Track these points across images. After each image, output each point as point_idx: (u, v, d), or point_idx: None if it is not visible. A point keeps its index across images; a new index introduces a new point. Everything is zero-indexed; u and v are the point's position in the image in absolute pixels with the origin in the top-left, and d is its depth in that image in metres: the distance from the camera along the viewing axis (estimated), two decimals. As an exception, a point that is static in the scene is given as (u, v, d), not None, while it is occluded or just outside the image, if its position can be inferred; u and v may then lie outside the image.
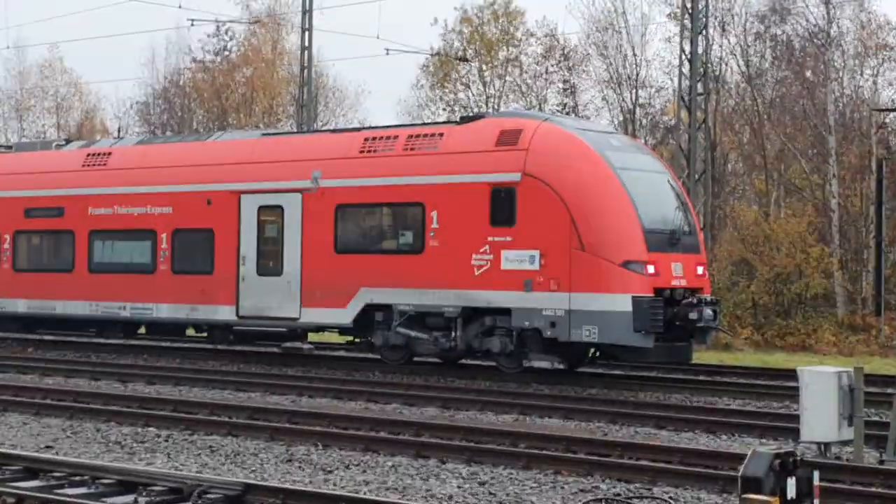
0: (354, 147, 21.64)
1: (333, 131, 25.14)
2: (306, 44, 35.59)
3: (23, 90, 58.43)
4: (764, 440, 13.93)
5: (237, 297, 22.55)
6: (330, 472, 11.69)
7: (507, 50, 45.14)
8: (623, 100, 41.41)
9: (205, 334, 25.22)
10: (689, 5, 31.18)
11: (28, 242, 26.12)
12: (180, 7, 43.70)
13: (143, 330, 27.01)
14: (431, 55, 45.11)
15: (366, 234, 21.62)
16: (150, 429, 14.40)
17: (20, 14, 70.64)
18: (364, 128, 24.68)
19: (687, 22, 31.51)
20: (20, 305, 25.74)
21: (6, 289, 25.90)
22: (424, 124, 24.55)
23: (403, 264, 20.59)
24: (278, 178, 22.20)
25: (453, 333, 20.04)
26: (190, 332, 26.93)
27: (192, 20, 51.17)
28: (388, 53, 36.74)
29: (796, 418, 13.49)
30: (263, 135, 24.78)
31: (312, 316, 21.65)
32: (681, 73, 31.43)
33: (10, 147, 29.93)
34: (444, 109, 45.01)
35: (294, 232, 21.90)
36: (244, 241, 22.56)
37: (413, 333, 20.54)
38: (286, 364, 22.69)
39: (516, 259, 19.27)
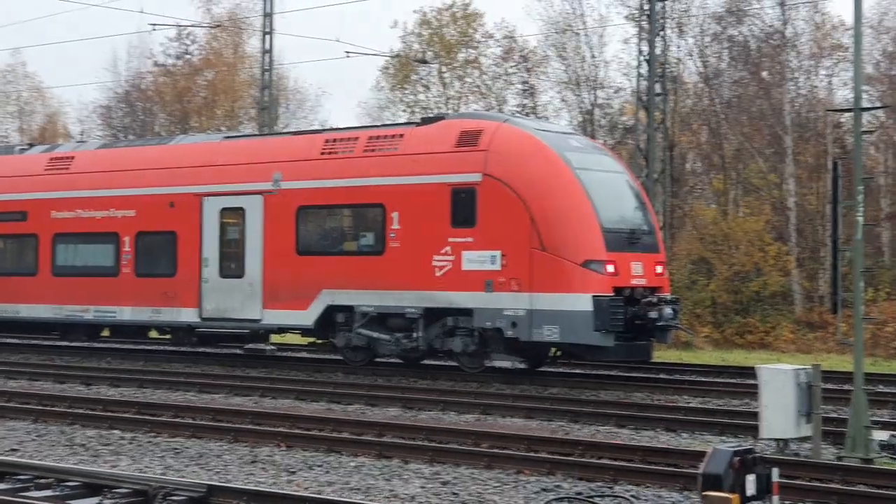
0: (315, 149, 21.76)
1: (294, 133, 25.24)
2: (267, 47, 35.61)
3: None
4: (724, 438, 14.14)
5: (200, 299, 22.61)
6: (293, 472, 11.82)
7: (467, 52, 45.32)
8: (582, 101, 41.66)
9: (168, 336, 25.26)
10: (646, 7, 31.48)
11: (-10, 247, 26.04)
12: (142, 12, 43.66)
13: (106, 332, 26.98)
14: (391, 57, 45.23)
15: (327, 235, 21.74)
16: (115, 431, 14.48)
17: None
18: (325, 129, 24.77)
19: (644, 23, 31.81)
20: (-19, 309, 25.65)
21: (-32, 293, 25.80)
22: (385, 126, 24.71)
23: (364, 265, 20.73)
24: (240, 181, 22.30)
25: (415, 334, 20.19)
26: (153, 334, 26.94)
27: (154, 25, 51.05)
28: (348, 56, 36.82)
29: (756, 416, 13.74)
30: (225, 138, 24.85)
31: (274, 318, 21.76)
32: (639, 73, 31.70)
33: (-30, 151, 29.74)
34: (405, 111, 45.11)
35: (256, 234, 21.99)
36: (206, 243, 22.63)
37: (375, 334, 20.68)
38: (249, 366, 22.78)
39: (477, 259, 19.44)
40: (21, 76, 58.73)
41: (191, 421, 15.10)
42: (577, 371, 22.11)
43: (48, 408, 16.29)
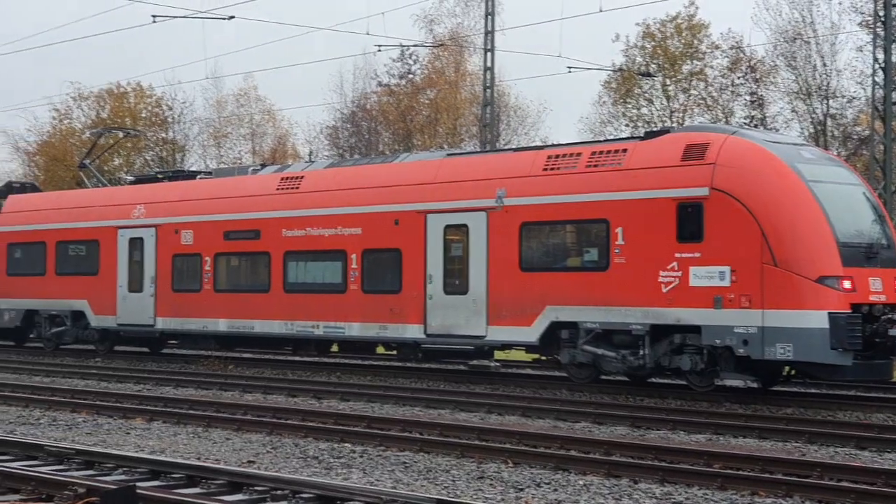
0: (538, 165, 21.71)
1: (516, 150, 25.25)
2: (489, 64, 35.91)
3: (220, 118, 60.71)
4: (972, 462, 13.34)
5: (425, 315, 22.87)
6: (521, 489, 11.74)
7: (692, 63, 44.55)
8: (813, 111, 40.36)
9: (394, 352, 25.67)
10: (881, 13, 30.20)
11: (227, 264, 27.08)
12: (368, 34, 44.76)
13: (335, 348, 27.66)
14: (614, 71, 44.88)
15: (550, 251, 21.64)
16: (346, 444, 14.73)
17: (218, 46, 73.45)
18: (547, 146, 24.70)
19: (879, 30, 30.52)
20: (221, 325, 26.70)
21: (208, 309, 26.91)
22: (608, 140, 24.45)
23: (589, 281, 20.53)
24: (463, 198, 22.46)
25: (641, 351, 19.86)
26: (380, 349, 27.48)
27: (379, 46, 52.33)
28: (570, 71, 36.73)
29: None
30: (448, 155, 25.09)
31: (499, 334, 21.78)
32: (874, 82, 30.47)
33: (209, 173, 31.13)
34: (627, 125, 44.72)
35: (479, 250, 22.09)
36: (431, 260, 22.88)
37: (600, 351, 20.44)
38: (474, 382, 22.88)
39: (706, 275, 18.97)
40: (253, 99, 61.14)
41: (418, 436, 15.22)
42: (812, 391, 21.29)
43: (282, 420, 16.74)
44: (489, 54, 35.84)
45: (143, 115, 58.83)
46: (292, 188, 25.76)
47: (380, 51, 41.42)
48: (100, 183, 33.86)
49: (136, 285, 28.52)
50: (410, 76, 53.09)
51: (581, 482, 12.16)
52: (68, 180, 54.15)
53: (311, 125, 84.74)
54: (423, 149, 45.11)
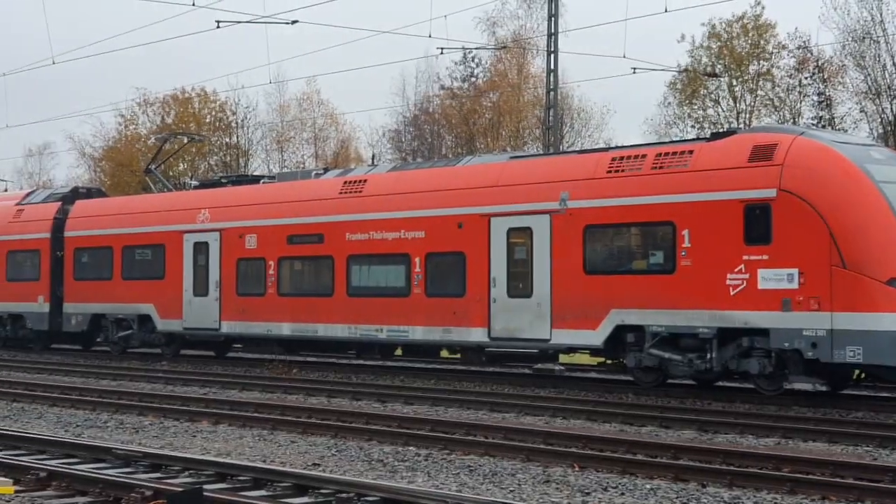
0: (602, 167, 21.56)
1: (580, 152, 25.10)
2: (552, 66, 35.74)
3: (283, 122, 61.12)
4: None
5: (489, 318, 22.80)
6: (588, 493, 11.63)
7: (758, 64, 44.06)
8: (882, 111, 39.71)
9: (458, 356, 25.62)
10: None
11: (291, 268, 27.20)
12: (430, 36, 44.72)
13: (399, 351, 27.67)
14: (679, 72, 44.51)
15: (615, 254, 21.48)
16: (410, 448, 14.70)
17: (280, 50, 74.04)
18: (610, 147, 24.55)
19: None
20: (284, 329, 26.84)
21: (273, 313, 27.05)
22: (673, 142, 24.22)
23: (655, 284, 20.35)
24: (527, 201, 22.36)
25: (708, 355, 19.64)
26: (443, 353, 27.45)
27: (442, 48, 52.36)
28: (634, 72, 36.42)
29: None
30: (511, 158, 25.01)
31: (563, 337, 21.66)
32: (945, 80, 29.88)
33: (273, 177, 31.31)
34: (693, 127, 44.32)
35: (543, 253, 21.98)
36: (494, 263, 22.81)
37: (666, 355, 20.24)
38: (538, 385, 22.76)
39: (774, 277, 18.72)
40: (316, 104, 61.46)
41: (483, 439, 15.15)
42: (884, 394, 20.90)
43: (347, 424, 16.75)
44: (552, 56, 35.68)
45: (208, 120, 59.40)
46: (355, 192, 25.81)
47: (442, 53, 41.48)
48: (165, 188, 34.20)
49: (201, 289, 28.76)
50: (473, 79, 53.08)
51: (648, 486, 12.03)
52: (134, 185, 54.84)
53: (373, 129, 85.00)
54: (486, 152, 45.02)
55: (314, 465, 13.36)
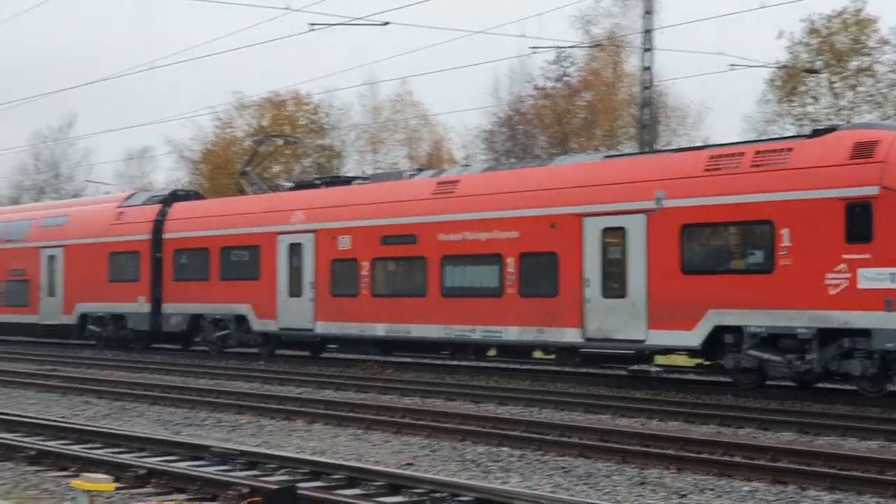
0: (699, 166, 21.25)
1: (676, 151, 24.78)
2: (647, 64, 35.36)
3: (376, 124, 61.43)
4: None
5: (583, 319, 22.62)
6: (684, 495, 11.45)
7: (860, 59, 43.11)
8: None
9: (552, 356, 25.46)
10: None
11: (384, 269, 27.30)
12: (523, 36, 44.64)
13: (492, 352, 27.60)
14: (778, 68, 43.75)
15: (713, 253, 21.16)
16: (504, 448, 14.64)
17: (373, 52, 74.46)
18: (708, 146, 24.16)
19: None
20: (378, 329, 26.94)
21: (366, 313, 27.18)
22: (772, 139, 23.80)
23: (753, 284, 20.00)
24: (621, 200, 22.14)
25: (808, 356, 19.24)
26: (537, 354, 27.29)
27: (534, 48, 52.13)
28: (732, 69, 35.87)
29: None
30: (605, 157, 24.78)
31: (659, 338, 21.40)
32: None
33: (366, 179, 31.46)
34: (793, 124, 43.51)
35: (638, 253, 21.74)
36: (588, 263, 22.62)
37: (765, 356, 19.88)
38: (634, 387, 22.52)
39: (876, 277, 18.28)
40: (408, 105, 61.62)
41: (578, 440, 15.02)
42: None
43: (440, 424, 16.73)
44: (647, 54, 35.30)
45: (302, 122, 59.92)
46: (448, 192, 25.81)
47: (535, 53, 41.27)
48: (260, 190, 34.58)
49: (295, 290, 29.01)
50: (566, 78, 52.73)
51: (746, 488, 11.82)
52: (230, 187, 55.52)
53: (466, 129, 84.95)
54: (580, 152, 44.71)
55: (408, 464, 13.36)
